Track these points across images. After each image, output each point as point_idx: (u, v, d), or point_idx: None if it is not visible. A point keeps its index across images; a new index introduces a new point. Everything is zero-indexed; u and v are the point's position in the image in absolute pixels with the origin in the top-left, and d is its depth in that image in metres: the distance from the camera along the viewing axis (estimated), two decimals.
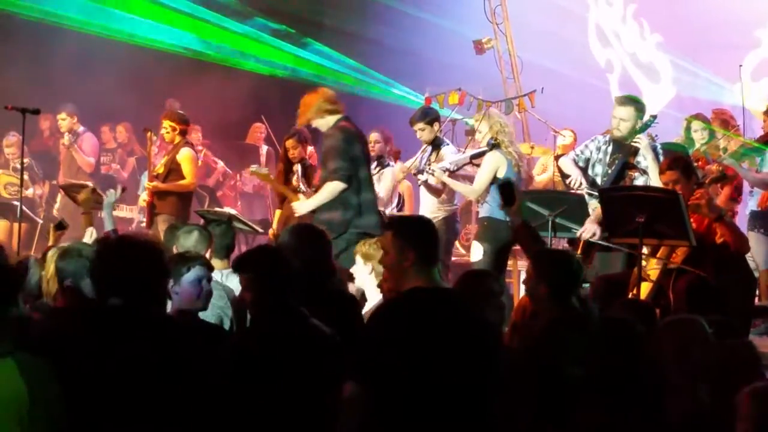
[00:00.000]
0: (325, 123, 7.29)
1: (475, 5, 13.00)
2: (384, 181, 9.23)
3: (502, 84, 12.90)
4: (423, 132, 8.68)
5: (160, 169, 9.08)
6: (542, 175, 11.34)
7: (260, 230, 9.16)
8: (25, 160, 10.26)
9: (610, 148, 7.64)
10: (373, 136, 9.25)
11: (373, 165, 9.24)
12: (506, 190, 5.64)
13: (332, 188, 7.11)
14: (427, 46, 12.94)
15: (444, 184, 8.40)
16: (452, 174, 8.25)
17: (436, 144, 8.70)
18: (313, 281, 4.76)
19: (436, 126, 8.73)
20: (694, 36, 12.65)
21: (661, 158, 7.39)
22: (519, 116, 12.25)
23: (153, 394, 3.56)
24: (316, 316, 4.30)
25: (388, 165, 9.32)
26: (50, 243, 7.11)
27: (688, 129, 8.88)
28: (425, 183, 8.55)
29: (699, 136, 8.84)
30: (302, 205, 7.53)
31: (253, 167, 9.87)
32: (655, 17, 13.37)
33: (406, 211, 9.48)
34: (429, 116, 8.74)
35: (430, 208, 8.67)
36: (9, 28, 11.98)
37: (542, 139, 11.81)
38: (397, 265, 3.93)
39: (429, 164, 8.51)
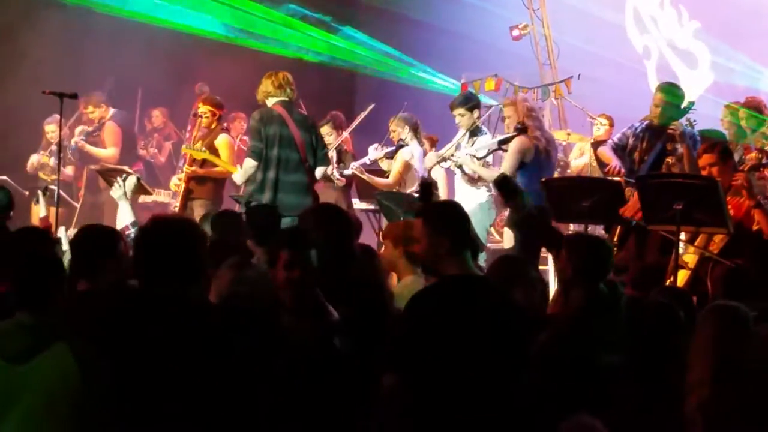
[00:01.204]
0: (267, 104, 7.85)
1: None
2: (395, 164, 9.33)
3: (539, 70, 12.84)
4: (462, 117, 8.57)
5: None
6: (578, 160, 11.28)
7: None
8: (66, 141, 10.32)
9: (647, 135, 7.61)
10: (392, 126, 9.52)
11: (391, 149, 9.33)
12: (504, 185, 5.16)
13: (245, 165, 7.87)
14: (464, 31, 12.87)
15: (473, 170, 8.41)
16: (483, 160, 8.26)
17: (473, 132, 8.57)
18: (330, 267, 4.41)
19: (476, 113, 8.61)
20: (732, 22, 12.50)
21: (699, 145, 7.35)
22: (555, 102, 12.20)
23: (183, 379, 3.52)
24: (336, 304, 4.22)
25: (403, 146, 9.34)
26: (42, 213, 7.41)
27: (736, 117, 8.71)
28: (461, 169, 8.54)
29: (746, 125, 8.71)
30: (235, 178, 8.26)
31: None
32: (692, 3, 13.23)
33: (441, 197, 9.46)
34: (471, 102, 8.66)
35: (465, 194, 8.63)
36: (50, 12, 12.04)
37: (579, 126, 11.75)
38: (433, 253, 3.92)
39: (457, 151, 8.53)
